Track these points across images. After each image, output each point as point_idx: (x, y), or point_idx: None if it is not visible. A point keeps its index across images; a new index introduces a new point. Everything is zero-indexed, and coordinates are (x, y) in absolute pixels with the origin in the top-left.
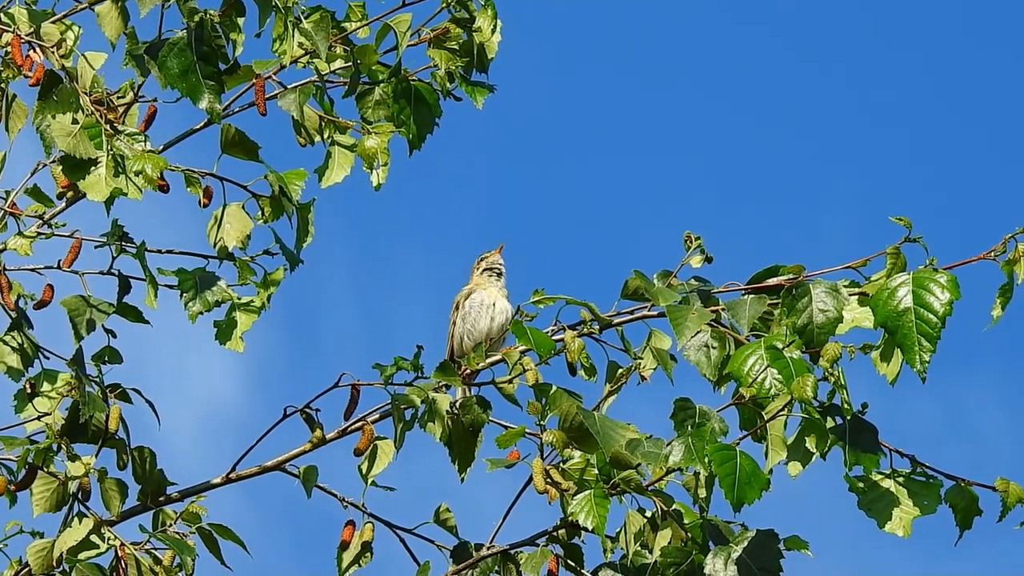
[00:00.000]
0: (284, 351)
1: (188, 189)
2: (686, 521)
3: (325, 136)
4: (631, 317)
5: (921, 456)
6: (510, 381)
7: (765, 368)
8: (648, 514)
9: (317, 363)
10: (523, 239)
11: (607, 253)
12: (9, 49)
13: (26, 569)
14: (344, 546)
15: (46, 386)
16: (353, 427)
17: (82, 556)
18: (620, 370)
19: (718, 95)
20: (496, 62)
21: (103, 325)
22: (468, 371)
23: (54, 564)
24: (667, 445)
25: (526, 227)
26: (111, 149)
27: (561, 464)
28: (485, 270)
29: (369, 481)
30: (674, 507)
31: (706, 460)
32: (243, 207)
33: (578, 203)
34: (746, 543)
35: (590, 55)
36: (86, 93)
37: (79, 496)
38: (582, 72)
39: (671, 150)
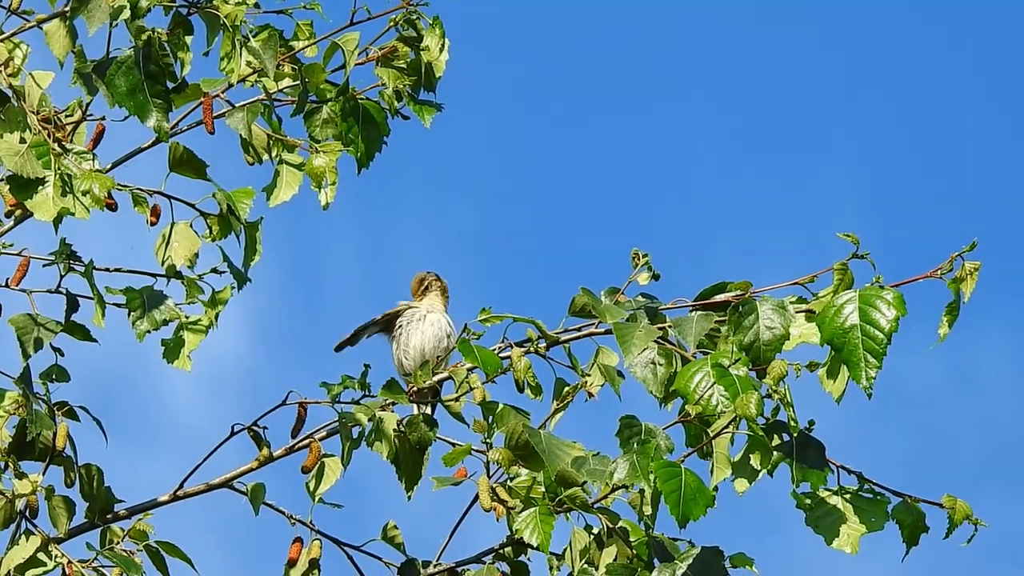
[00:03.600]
0: (287, 298)
1: (136, 209)
2: (632, 538)
3: (273, 155)
4: (578, 334)
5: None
6: (457, 399)
7: (712, 385)
8: (594, 531)
9: (320, 309)
10: (523, 193)
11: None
12: None
13: None
14: (291, 563)
15: None
16: (300, 445)
17: (29, 574)
18: (567, 387)
19: (721, 56)
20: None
21: (51, 343)
22: (415, 389)
23: None
24: (612, 463)
25: (528, 175)
26: (59, 168)
27: (508, 482)
28: (424, 289)
29: (317, 498)
30: (620, 524)
31: (651, 477)
32: (191, 225)
33: (581, 161)
34: (691, 560)
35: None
36: (34, 112)
37: (26, 514)
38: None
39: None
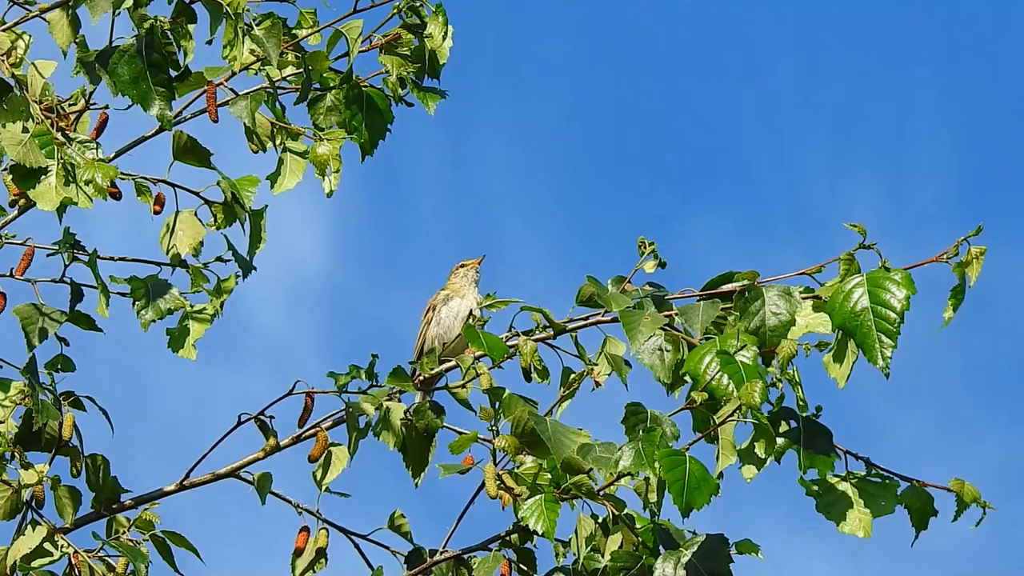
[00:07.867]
0: (370, 212)
1: (139, 198)
2: (638, 526)
3: (277, 143)
4: (585, 323)
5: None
6: (463, 386)
7: (719, 370)
8: (600, 519)
9: (403, 224)
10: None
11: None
12: None
13: None
14: (298, 552)
15: None
16: (307, 434)
17: (36, 564)
18: (573, 375)
19: None
20: None
21: (56, 333)
22: (422, 377)
23: (7, 572)
24: (618, 450)
25: (610, 85)
26: (62, 157)
27: (514, 469)
28: (463, 276)
29: (323, 487)
30: (625, 512)
31: (655, 465)
32: (195, 214)
33: (663, 70)
34: (696, 547)
35: None
36: (36, 101)
37: (33, 504)
38: None
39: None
